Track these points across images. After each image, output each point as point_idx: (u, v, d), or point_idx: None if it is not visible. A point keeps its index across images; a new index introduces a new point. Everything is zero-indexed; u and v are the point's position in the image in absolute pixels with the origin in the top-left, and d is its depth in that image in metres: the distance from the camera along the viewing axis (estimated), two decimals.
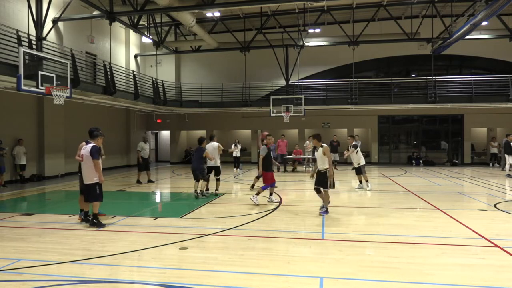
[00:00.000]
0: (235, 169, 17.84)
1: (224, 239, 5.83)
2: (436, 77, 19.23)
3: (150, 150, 14.12)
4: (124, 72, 18.25)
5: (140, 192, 11.38)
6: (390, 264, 4.61)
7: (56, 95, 10.34)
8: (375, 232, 6.17)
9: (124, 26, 18.54)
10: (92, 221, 6.50)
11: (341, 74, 21.01)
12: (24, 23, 12.78)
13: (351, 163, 12.55)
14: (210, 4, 12.97)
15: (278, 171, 16.69)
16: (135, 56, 21.88)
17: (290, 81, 19.79)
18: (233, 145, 16.33)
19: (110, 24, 14.01)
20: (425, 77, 19.48)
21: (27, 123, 14.20)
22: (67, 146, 15.34)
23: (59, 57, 12.75)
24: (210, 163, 10.13)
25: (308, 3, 16.14)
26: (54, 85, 10.35)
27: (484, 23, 14.67)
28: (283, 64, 19.61)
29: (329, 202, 7.78)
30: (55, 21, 14.11)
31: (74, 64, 12.85)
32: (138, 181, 13.10)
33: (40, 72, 10.00)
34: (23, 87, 9.39)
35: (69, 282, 4.12)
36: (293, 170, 17.54)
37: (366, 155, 21.21)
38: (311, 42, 19.50)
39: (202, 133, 23.03)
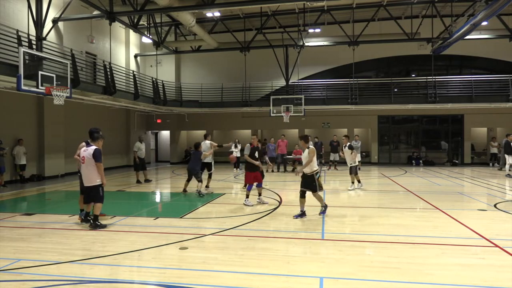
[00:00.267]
0: (235, 169, 17.85)
1: (224, 239, 5.82)
2: (436, 77, 19.23)
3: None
4: (124, 72, 18.25)
5: (140, 192, 11.39)
6: (390, 264, 4.61)
7: (56, 95, 10.34)
8: (375, 232, 6.17)
9: (124, 26, 18.54)
10: (94, 223, 6.47)
11: (341, 74, 21.01)
12: (24, 23, 12.78)
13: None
14: (210, 4, 12.97)
15: (272, 171, 16.74)
16: (135, 56, 21.88)
17: (290, 81, 19.80)
18: (233, 145, 16.34)
19: (110, 24, 14.01)
20: (425, 77, 19.48)
21: (27, 123, 14.19)
22: (67, 146, 15.32)
23: (59, 57, 12.75)
24: (205, 160, 11.02)
25: (308, 3, 16.14)
26: (54, 85, 10.36)
27: (484, 23, 14.67)
28: (283, 64, 19.62)
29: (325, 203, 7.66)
30: (55, 21, 14.11)
31: (74, 64, 12.85)
32: (138, 181, 13.13)
33: (40, 72, 10.01)
34: (23, 87, 9.39)
35: (69, 282, 4.12)
36: (293, 170, 17.53)
37: (366, 155, 21.28)
38: (311, 42, 19.50)
39: (202, 133, 22.92)
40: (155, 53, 20.45)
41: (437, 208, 8.15)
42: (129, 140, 21.09)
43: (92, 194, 6.62)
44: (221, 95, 21.30)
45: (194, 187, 11.38)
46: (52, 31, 13.79)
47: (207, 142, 11.47)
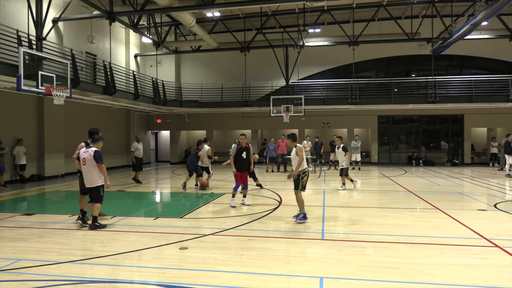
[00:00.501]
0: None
1: (224, 239, 5.82)
2: (436, 77, 19.23)
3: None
4: (124, 72, 18.25)
5: (140, 192, 11.39)
6: (390, 264, 4.61)
7: (56, 95, 10.34)
8: (375, 232, 6.17)
9: (124, 26, 18.54)
10: (94, 224, 6.46)
11: (341, 74, 21.01)
12: (24, 23, 12.78)
13: (351, 163, 12.53)
14: (210, 4, 12.97)
15: (272, 171, 16.73)
16: (135, 56, 21.88)
17: (290, 81, 19.79)
18: (233, 145, 16.29)
19: (110, 24, 14.01)
20: (425, 77, 19.48)
21: (27, 123, 14.19)
22: (67, 146, 15.31)
23: (59, 57, 12.75)
24: (202, 164, 11.33)
25: (308, 3, 16.14)
26: (54, 85, 10.36)
27: (484, 23, 14.67)
28: (283, 64, 19.61)
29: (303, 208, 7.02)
30: (55, 21, 14.11)
31: (74, 64, 12.85)
32: (138, 181, 13.11)
33: (40, 72, 10.01)
34: (23, 87, 9.39)
35: (69, 282, 4.12)
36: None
37: (366, 155, 21.28)
38: (311, 42, 19.50)
39: (202, 133, 23.07)
40: (155, 53, 20.45)
41: (437, 208, 8.15)
42: (129, 140, 21.06)
43: (92, 195, 6.64)
44: (221, 95, 21.30)
45: (194, 187, 11.42)
46: (52, 31, 13.79)
47: (206, 147, 11.48)
